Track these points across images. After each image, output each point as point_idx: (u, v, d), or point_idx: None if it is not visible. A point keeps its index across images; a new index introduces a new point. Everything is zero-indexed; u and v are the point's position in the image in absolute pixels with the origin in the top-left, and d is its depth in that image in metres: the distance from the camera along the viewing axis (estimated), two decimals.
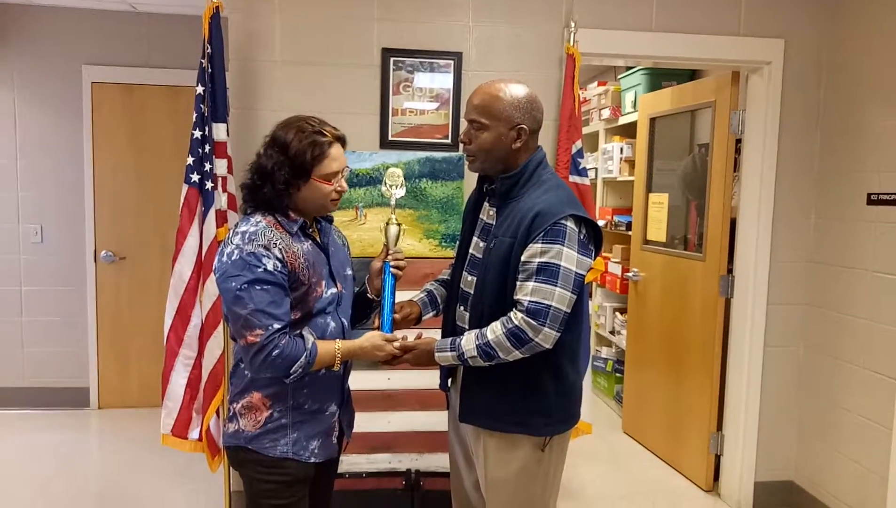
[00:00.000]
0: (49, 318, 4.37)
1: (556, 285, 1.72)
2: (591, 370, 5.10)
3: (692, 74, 4.25)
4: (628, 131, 4.70)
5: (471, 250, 1.94)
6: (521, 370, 1.81)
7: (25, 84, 4.24)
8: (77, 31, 4.23)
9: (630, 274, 4.22)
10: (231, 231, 1.73)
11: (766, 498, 3.32)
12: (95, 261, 4.37)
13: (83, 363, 4.42)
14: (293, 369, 1.67)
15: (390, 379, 2.84)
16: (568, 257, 1.73)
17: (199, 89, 2.63)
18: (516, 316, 1.73)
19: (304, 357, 1.68)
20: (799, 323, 3.27)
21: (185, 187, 2.64)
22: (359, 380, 2.74)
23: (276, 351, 1.65)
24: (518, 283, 1.76)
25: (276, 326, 1.65)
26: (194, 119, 2.62)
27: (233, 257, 1.66)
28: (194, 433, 2.69)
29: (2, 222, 4.30)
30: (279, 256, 1.67)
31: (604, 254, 4.94)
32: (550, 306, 1.71)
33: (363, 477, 2.76)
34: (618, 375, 4.79)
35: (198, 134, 2.62)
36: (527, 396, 1.84)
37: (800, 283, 3.25)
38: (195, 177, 2.63)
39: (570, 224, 1.75)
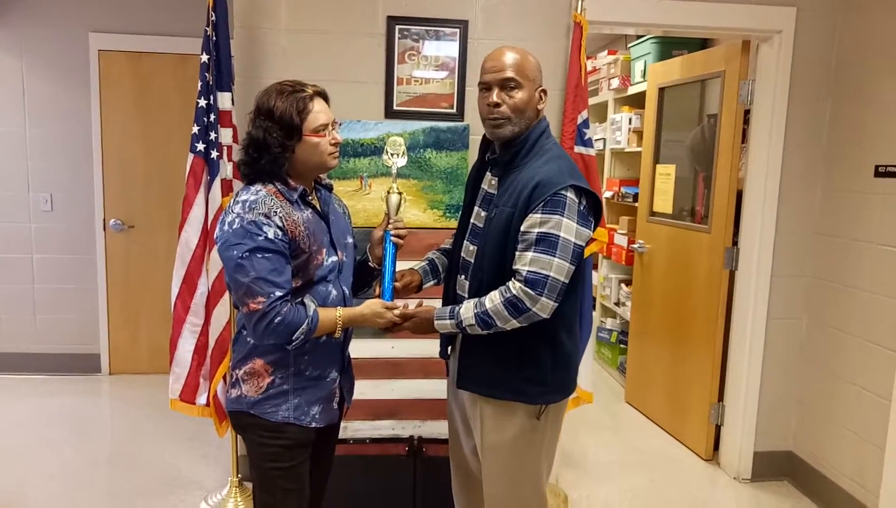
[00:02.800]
0: (60, 285, 4.44)
1: (554, 256, 1.73)
2: (596, 340, 5.14)
3: (703, 43, 4.19)
4: (637, 101, 4.65)
5: (472, 220, 1.96)
6: (518, 339, 1.83)
7: (33, 52, 4.24)
8: None
9: (636, 246, 4.22)
10: (232, 200, 1.75)
11: (765, 468, 3.36)
12: (104, 229, 4.41)
13: (94, 329, 4.49)
14: (295, 335, 1.70)
15: (394, 348, 2.88)
16: (567, 228, 1.74)
17: (204, 58, 2.63)
18: (514, 286, 1.74)
19: (305, 324, 1.70)
20: (803, 296, 3.26)
21: (190, 156, 2.66)
22: (364, 348, 2.79)
23: (279, 318, 1.67)
24: (517, 253, 1.77)
25: (278, 293, 1.68)
26: (199, 88, 2.63)
27: (234, 226, 1.68)
28: (202, 399, 2.75)
29: (12, 190, 4.34)
30: (279, 224, 1.69)
31: (610, 225, 4.93)
32: (549, 276, 1.72)
33: (367, 443, 2.80)
34: (622, 346, 4.82)
35: (203, 103, 2.63)
36: (523, 365, 1.86)
37: (805, 255, 3.24)
38: (200, 146, 2.64)
39: (571, 195, 1.75)
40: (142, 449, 3.48)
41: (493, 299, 1.77)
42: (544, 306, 1.74)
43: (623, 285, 4.82)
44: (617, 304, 4.89)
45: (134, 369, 4.55)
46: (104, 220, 4.41)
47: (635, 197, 4.57)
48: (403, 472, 2.81)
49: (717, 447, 3.56)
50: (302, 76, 1.84)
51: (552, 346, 1.88)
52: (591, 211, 1.84)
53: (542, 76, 1.90)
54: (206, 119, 2.63)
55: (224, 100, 2.65)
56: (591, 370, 3.04)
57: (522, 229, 1.77)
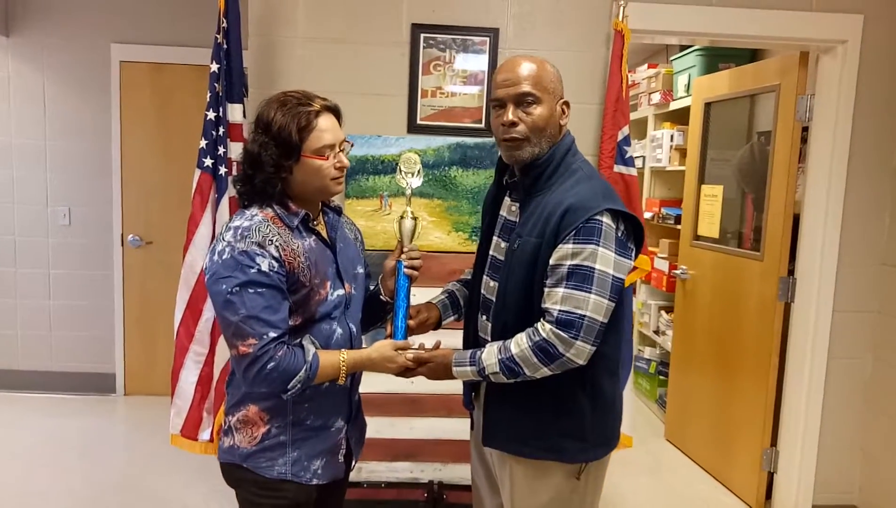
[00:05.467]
0: (76, 302, 4.31)
1: (590, 292, 1.48)
2: (633, 371, 4.82)
3: (752, 56, 3.91)
4: (679, 118, 4.38)
5: (491, 252, 1.72)
6: (553, 387, 1.59)
7: (54, 62, 4.14)
8: (106, 8, 4.10)
9: (678, 271, 3.92)
10: (224, 226, 1.54)
11: None
12: (122, 245, 4.28)
13: (109, 348, 4.35)
14: (291, 384, 1.48)
15: (414, 382, 2.62)
16: (604, 259, 1.50)
17: (214, 67, 2.46)
18: (544, 328, 1.50)
19: (303, 371, 1.48)
20: (868, 333, 2.95)
21: (197, 172, 2.49)
22: (380, 382, 2.54)
23: (272, 364, 1.45)
24: (546, 289, 1.53)
25: (272, 334, 1.46)
26: (208, 99, 2.46)
27: (223, 256, 1.47)
28: (205, 434, 2.55)
29: (31, 203, 4.24)
30: (275, 254, 1.48)
31: (650, 249, 4.64)
32: (584, 315, 1.48)
33: (382, 487, 2.57)
34: (661, 377, 4.50)
35: (211, 115, 2.46)
36: (559, 417, 1.62)
37: (871, 288, 2.92)
38: (208, 161, 2.47)
39: (607, 220, 1.51)
40: (149, 479, 3.29)
41: (519, 344, 1.52)
42: (580, 352, 1.50)
43: (663, 312, 4.52)
44: (657, 332, 4.59)
45: (149, 390, 4.39)
46: (122, 235, 4.28)
47: (677, 219, 4.28)
48: None
49: (769, 495, 3.24)
50: (319, 88, 1.63)
51: (592, 394, 1.63)
52: (632, 237, 1.59)
53: (563, 87, 1.66)
54: (214, 133, 2.45)
55: (234, 112, 2.48)
56: (631, 410, 2.77)
57: (552, 262, 1.52)
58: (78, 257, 4.29)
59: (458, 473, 2.61)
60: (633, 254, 1.59)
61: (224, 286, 1.45)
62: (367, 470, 2.60)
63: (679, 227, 4.09)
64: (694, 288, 3.81)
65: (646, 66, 4.79)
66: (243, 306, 1.44)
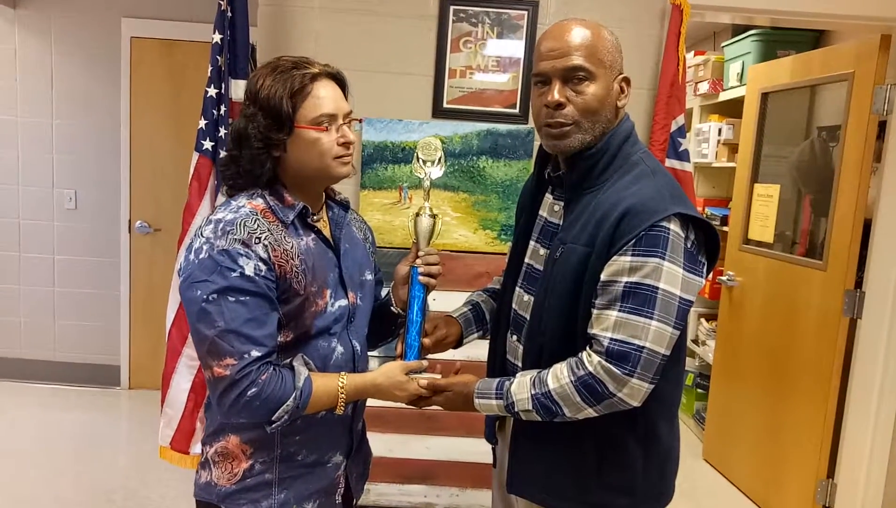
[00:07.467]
0: (81, 289, 4.11)
1: (651, 318, 1.19)
2: None
3: (815, 43, 3.55)
4: (728, 109, 4.03)
5: (527, 259, 1.42)
6: (598, 430, 1.31)
7: (63, 37, 3.92)
8: None
9: (724, 278, 3.58)
10: (204, 219, 1.27)
11: None
12: (130, 232, 4.07)
13: (115, 339, 4.14)
14: (276, 415, 1.21)
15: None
16: (669, 277, 1.20)
17: (216, 37, 2.20)
18: (591, 360, 1.21)
19: (291, 400, 1.21)
20: None
21: (195, 156, 2.24)
22: None
23: (253, 390, 1.19)
24: (595, 311, 1.24)
25: (255, 353, 1.19)
26: (209, 73, 2.20)
27: (200, 256, 1.20)
28: (197, 447, 2.30)
29: (36, 185, 4.04)
30: (263, 255, 1.20)
31: None
32: (643, 347, 1.19)
33: None
34: (699, 391, 4.18)
35: (212, 92, 2.20)
36: (604, 465, 1.33)
37: None
38: (207, 144, 2.22)
39: (675, 228, 1.21)
40: (147, 483, 3.07)
41: (559, 377, 1.23)
42: (635, 392, 1.20)
43: (704, 320, 4.19)
44: (696, 342, 4.25)
45: (155, 384, 4.14)
46: (130, 221, 4.06)
47: (723, 220, 3.94)
48: None
49: None
50: (335, 64, 1.35)
51: (646, 439, 1.34)
52: (703, 249, 1.29)
53: (622, 59, 1.34)
54: (215, 112, 2.20)
55: (238, 89, 2.22)
56: None
57: (604, 277, 1.23)
58: (84, 242, 4.08)
59: (479, 500, 2.34)
60: (705, 270, 1.29)
61: (199, 292, 1.18)
62: (375, 493, 2.33)
63: (726, 229, 3.75)
64: (742, 297, 3.47)
65: (692, 53, 4.44)
66: (221, 317, 1.17)
